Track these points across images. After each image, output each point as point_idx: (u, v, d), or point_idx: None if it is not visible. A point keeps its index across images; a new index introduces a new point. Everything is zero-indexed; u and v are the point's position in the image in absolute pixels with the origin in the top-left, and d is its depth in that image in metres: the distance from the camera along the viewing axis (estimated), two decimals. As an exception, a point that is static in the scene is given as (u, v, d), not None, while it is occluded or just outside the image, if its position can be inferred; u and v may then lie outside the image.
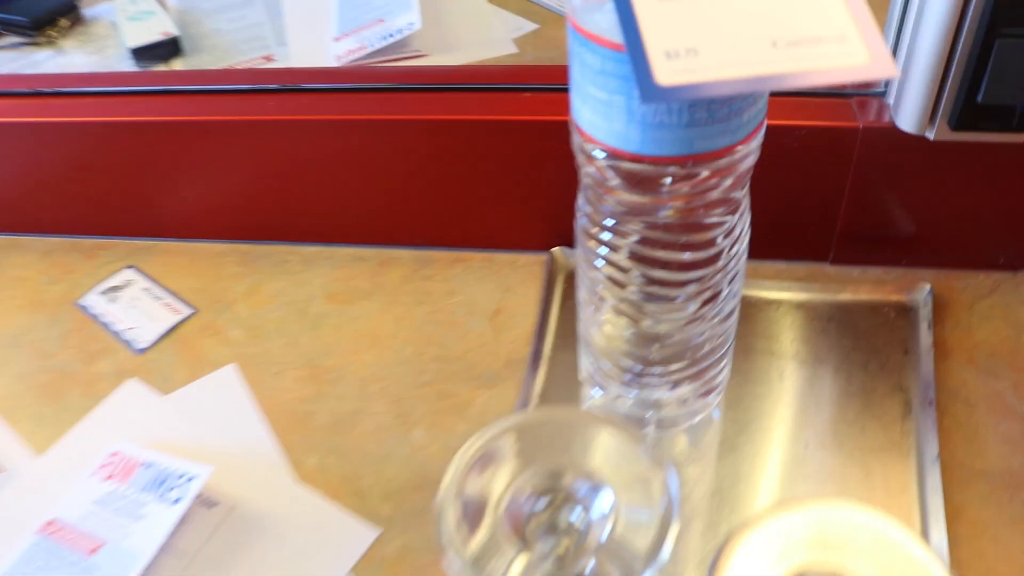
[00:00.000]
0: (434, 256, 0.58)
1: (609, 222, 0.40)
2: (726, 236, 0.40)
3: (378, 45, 0.71)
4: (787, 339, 0.52)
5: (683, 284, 0.41)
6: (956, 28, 0.44)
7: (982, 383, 0.49)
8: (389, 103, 0.53)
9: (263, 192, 0.58)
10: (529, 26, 0.73)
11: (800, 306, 0.53)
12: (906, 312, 0.52)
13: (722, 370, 0.48)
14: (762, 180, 0.40)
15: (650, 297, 0.41)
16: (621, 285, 0.42)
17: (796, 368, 0.51)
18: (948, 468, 0.46)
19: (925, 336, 0.51)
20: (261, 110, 0.54)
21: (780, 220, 0.52)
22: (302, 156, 0.55)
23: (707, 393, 0.48)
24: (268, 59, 0.74)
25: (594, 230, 0.41)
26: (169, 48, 0.75)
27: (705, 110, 0.33)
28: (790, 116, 0.50)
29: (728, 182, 0.38)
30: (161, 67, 0.75)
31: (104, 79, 0.61)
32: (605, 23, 0.32)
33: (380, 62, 0.71)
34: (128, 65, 0.75)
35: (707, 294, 0.41)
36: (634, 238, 0.40)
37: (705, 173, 0.37)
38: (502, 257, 0.58)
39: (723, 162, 0.36)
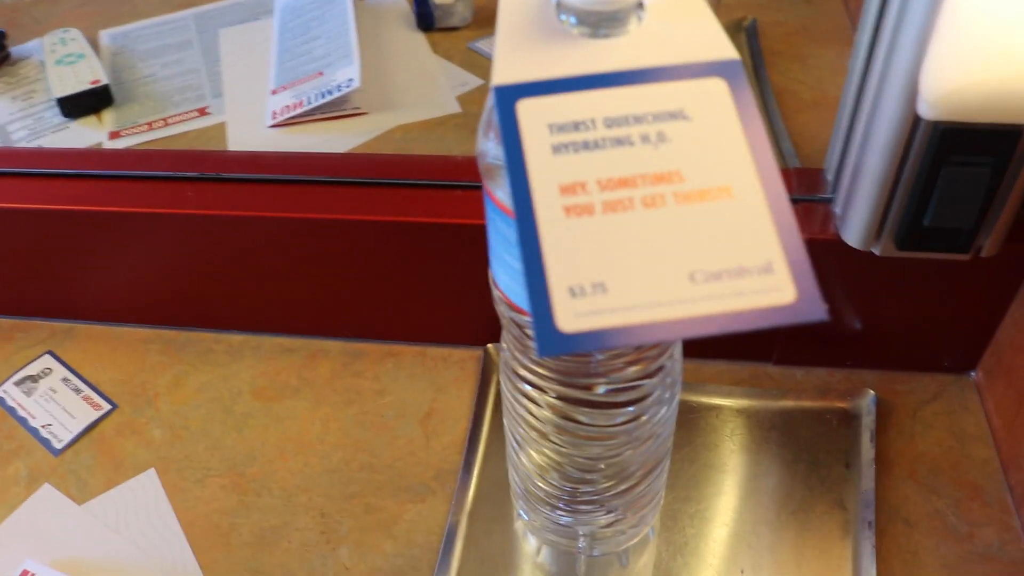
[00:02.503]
0: (365, 349, 0.56)
1: (530, 376, 0.38)
2: (659, 375, 0.38)
3: (316, 102, 0.68)
4: (727, 450, 0.50)
5: (612, 426, 0.39)
6: (903, 153, 0.42)
7: (923, 500, 0.48)
8: (314, 199, 0.50)
9: (187, 279, 0.55)
10: (474, 81, 0.71)
11: (741, 412, 0.52)
12: (849, 420, 0.51)
13: (659, 490, 0.46)
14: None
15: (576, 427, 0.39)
16: (541, 420, 0.40)
17: (735, 483, 0.49)
18: (886, 596, 0.45)
19: (867, 449, 0.49)
20: (178, 202, 0.51)
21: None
22: (225, 248, 0.52)
23: (642, 514, 0.46)
24: (202, 112, 0.71)
25: (517, 368, 0.39)
26: (99, 97, 0.72)
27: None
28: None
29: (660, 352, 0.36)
30: (91, 118, 0.71)
31: (15, 158, 0.58)
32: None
33: (318, 119, 0.68)
34: (55, 114, 0.72)
35: (640, 422, 0.40)
36: (553, 395, 0.38)
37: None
38: (435, 352, 0.55)
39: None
